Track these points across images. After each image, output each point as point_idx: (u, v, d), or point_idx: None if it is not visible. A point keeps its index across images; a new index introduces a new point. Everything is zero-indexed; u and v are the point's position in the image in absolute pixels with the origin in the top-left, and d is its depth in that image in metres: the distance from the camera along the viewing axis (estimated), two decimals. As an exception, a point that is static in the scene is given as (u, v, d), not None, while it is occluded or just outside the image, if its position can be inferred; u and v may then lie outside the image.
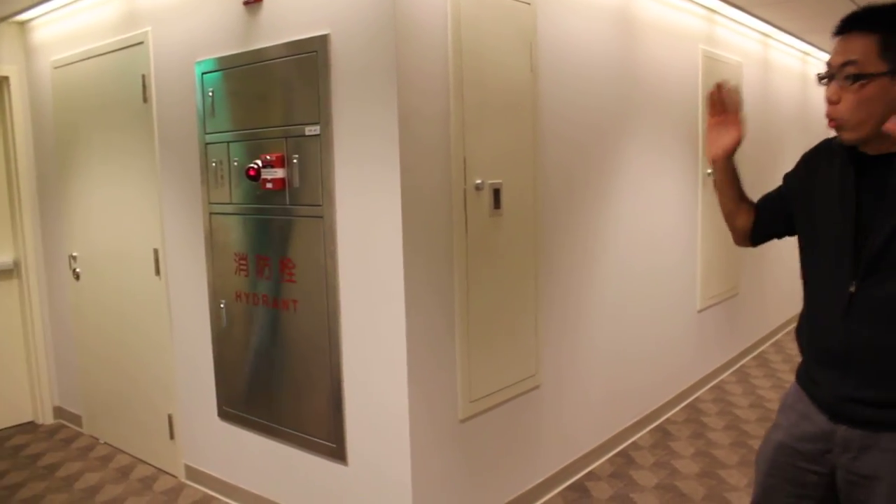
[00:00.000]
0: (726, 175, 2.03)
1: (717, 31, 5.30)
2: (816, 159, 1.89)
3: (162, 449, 4.04)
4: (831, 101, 1.65)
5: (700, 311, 5.17)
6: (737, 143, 1.94)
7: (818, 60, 7.76)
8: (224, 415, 3.60)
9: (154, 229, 3.83)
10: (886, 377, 1.68)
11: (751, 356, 6.21)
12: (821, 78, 1.70)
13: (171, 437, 3.95)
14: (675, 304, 4.88)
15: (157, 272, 3.86)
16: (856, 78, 1.59)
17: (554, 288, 3.61)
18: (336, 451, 3.09)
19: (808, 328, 1.89)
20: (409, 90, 2.72)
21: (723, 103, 1.94)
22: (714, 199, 5.15)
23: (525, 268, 3.35)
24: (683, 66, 4.83)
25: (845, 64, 1.61)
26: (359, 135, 2.82)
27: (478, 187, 3.01)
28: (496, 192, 3.11)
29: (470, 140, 2.97)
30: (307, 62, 2.93)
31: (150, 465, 4.15)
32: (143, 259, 3.93)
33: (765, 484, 1.93)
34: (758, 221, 2.06)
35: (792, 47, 6.91)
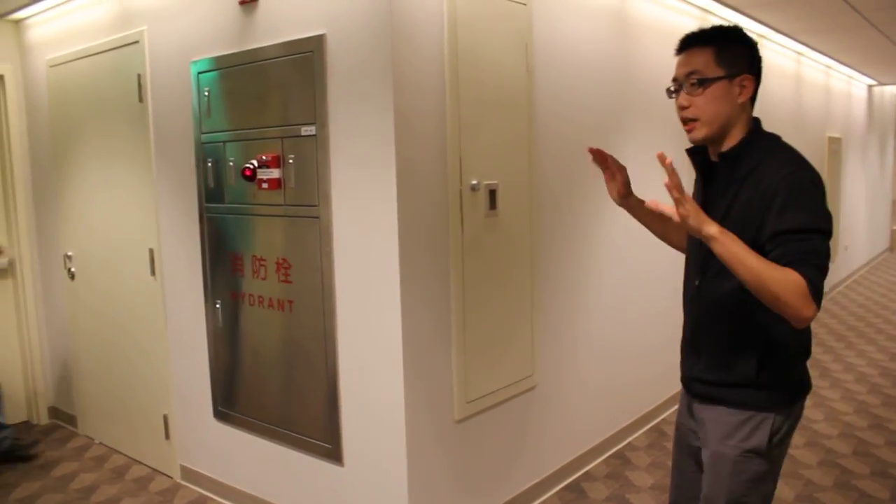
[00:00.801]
0: (636, 211, 2.30)
1: (712, 32, 5.29)
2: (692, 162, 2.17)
3: (157, 449, 4.03)
4: (683, 107, 1.93)
5: (696, 312, 5.17)
6: (625, 184, 2.22)
7: (812, 61, 7.78)
8: (220, 415, 3.59)
9: (149, 229, 3.83)
10: (716, 359, 1.98)
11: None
12: (670, 92, 1.99)
13: (167, 437, 3.94)
14: (671, 304, 4.87)
15: (153, 272, 3.85)
16: (700, 82, 1.88)
17: (550, 288, 3.61)
18: (332, 451, 3.08)
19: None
20: (405, 90, 2.72)
21: (602, 159, 2.18)
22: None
23: (521, 268, 3.35)
24: (679, 66, 4.82)
25: (689, 74, 1.90)
26: (355, 135, 2.81)
27: (474, 188, 3.01)
28: (492, 193, 3.11)
29: (466, 140, 2.97)
30: (303, 62, 2.92)
31: (145, 465, 4.14)
32: (139, 259, 3.92)
33: (675, 457, 2.25)
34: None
35: (786, 48, 6.92)
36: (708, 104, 1.89)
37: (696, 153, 2.04)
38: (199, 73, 3.36)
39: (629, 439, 4.37)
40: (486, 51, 3.06)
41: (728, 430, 1.94)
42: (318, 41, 2.86)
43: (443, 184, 2.91)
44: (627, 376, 4.37)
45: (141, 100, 3.73)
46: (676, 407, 4.85)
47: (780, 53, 6.80)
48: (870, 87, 10.70)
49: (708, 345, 2.01)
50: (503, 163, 3.19)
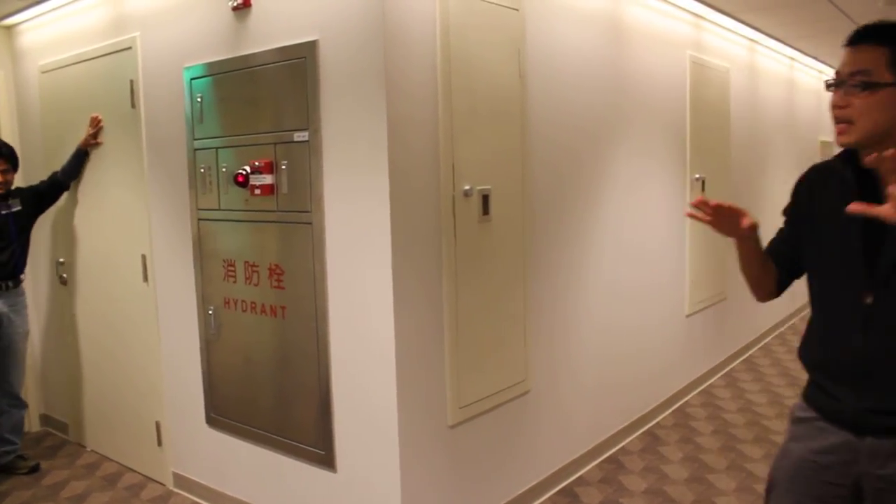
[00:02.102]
0: (751, 246, 2.00)
1: (704, 37, 5.33)
2: (810, 183, 1.95)
3: (149, 456, 4.01)
4: (838, 106, 1.72)
5: (688, 316, 5.19)
6: (753, 226, 1.91)
7: (804, 66, 7.82)
8: (212, 422, 3.58)
9: (142, 235, 3.82)
10: None
11: (739, 360, 6.23)
12: (828, 85, 1.77)
13: (159, 444, 3.93)
14: (664, 309, 4.90)
15: (145, 278, 3.84)
16: (865, 86, 1.67)
17: (543, 293, 3.61)
18: (325, 457, 3.08)
19: (820, 345, 1.90)
20: (397, 96, 2.72)
21: (719, 211, 1.90)
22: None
23: (514, 273, 3.36)
24: (672, 71, 4.85)
25: (855, 73, 1.68)
26: (347, 141, 2.81)
27: (466, 193, 3.01)
28: (485, 199, 3.11)
29: (459, 146, 2.97)
30: (296, 68, 2.92)
31: (137, 472, 4.12)
32: (131, 265, 3.91)
33: (786, 499, 1.93)
34: (779, 272, 2.05)
35: (779, 53, 6.95)
36: (869, 110, 1.68)
37: (848, 161, 1.81)
38: (192, 79, 3.36)
39: (623, 443, 4.37)
40: (478, 57, 3.06)
41: None
42: (311, 47, 2.86)
43: (435, 189, 2.91)
44: (621, 380, 4.37)
45: (133, 106, 3.72)
46: (670, 411, 4.90)
47: (772, 58, 6.84)
48: (861, 91, 10.73)
49: (892, 369, 1.73)
50: (496, 168, 3.20)
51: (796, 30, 5.99)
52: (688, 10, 4.98)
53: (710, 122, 5.39)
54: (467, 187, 3.02)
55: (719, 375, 5.79)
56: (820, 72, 8.35)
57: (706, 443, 4.42)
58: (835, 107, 1.73)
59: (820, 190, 1.90)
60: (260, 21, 3.06)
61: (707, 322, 5.53)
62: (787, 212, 2.04)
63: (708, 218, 1.93)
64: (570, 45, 3.75)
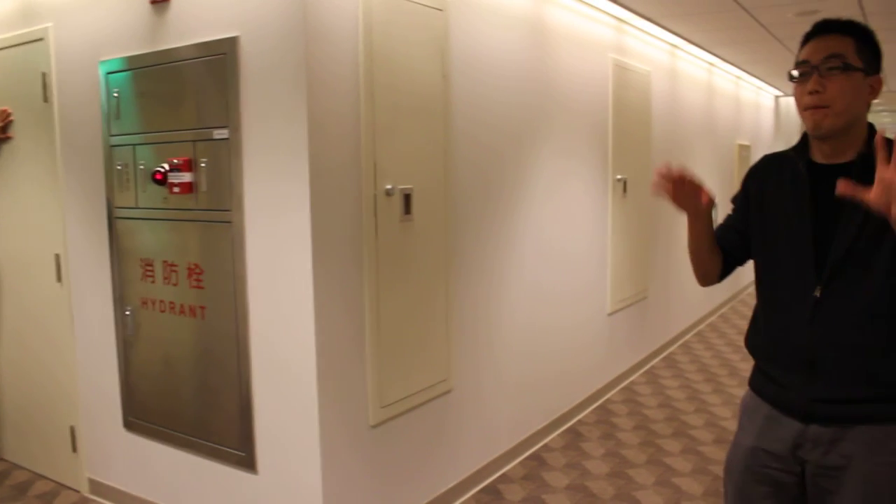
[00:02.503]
0: (703, 226, 2.01)
1: (626, 41, 5.45)
2: (762, 173, 1.99)
3: (64, 463, 3.88)
4: (815, 91, 1.75)
5: (610, 315, 5.30)
6: (711, 201, 1.92)
7: (723, 71, 8.07)
8: (130, 425, 3.49)
9: (56, 234, 3.69)
10: (854, 376, 1.78)
11: (659, 357, 6.39)
12: (793, 77, 1.82)
13: (74, 450, 3.81)
14: (587, 307, 4.99)
15: (59, 278, 3.72)
16: (845, 67, 1.73)
17: (466, 293, 3.64)
18: (245, 459, 3.03)
19: (767, 335, 1.95)
20: (319, 94, 2.71)
21: (682, 181, 1.90)
22: (624, 205, 5.28)
23: (436, 273, 3.37)
24: (594, 74, 4.94)
25: (831, 57, 1.74)
26: (268, 138, 2.78)
27: (388, 192, 3.02)
28: (407, 198, 3.12)
29: (381, 145, 2.97)
30: (216, 64, 2.88)
31: (50, 480, 3.98)
32: (44, 265, 3.78)
33: (739, 489, 1.99)
34: (725, 259, 2.09)
35: (698, 58, 7.16)
36: (843, 93, 1.73)
37: (801, 154, 1.87)
38: (108, 73, 3.27)
39: (545, 441, 4.44)
40: (401, 56, 3.07)
41: (879, 447, 1.78)
42: (232, 43, 2.82)
43: (357, 188, 2.90)
44: (543, 378, 4.44)
45: (46, 100, 3.60)
46: (592, 408, 5.00)
47: (692, 63, 7.03)
48: (776, 97, 11.17)
49: (839, 360, 1.80)
50: (418, 167, 3.21)
51: (715, 36, 6.18)
52: (610, 15, 5.09)
53: (631, 125, 5.52)
54: (389, 186, 3.02)
55: (640, 372, 5.93)
56: (738, 77, 8.64)
57: (627, 438, 4.52)
58: (811, 93, 1.75)
59: (771, 180, 1.94)
60: (179, 15, 3.00)
61: (629, 320, 5.66)
62: (736, 200, 2.08)
63: (670, 188, 1.92)
64: (494, 46, 3.79)
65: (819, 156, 1.84)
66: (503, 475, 3.98)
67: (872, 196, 1.52)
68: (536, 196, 4.26)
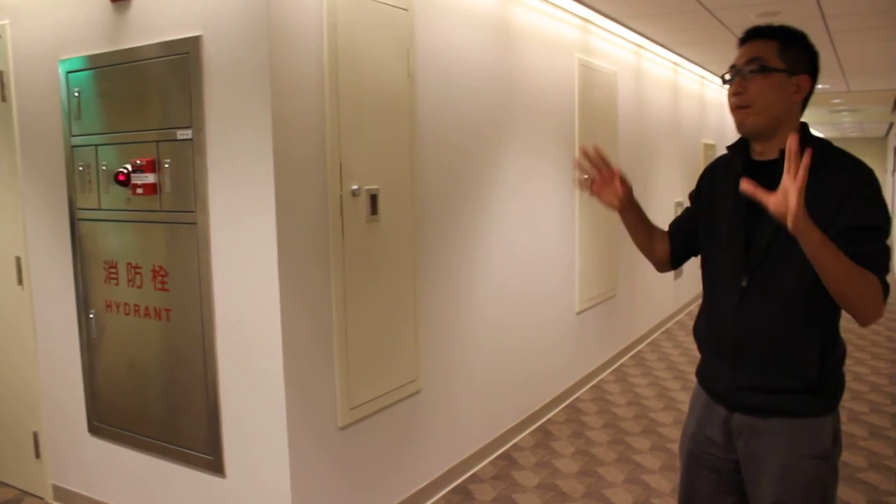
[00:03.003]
0: (633, 216, 2.16)
1: (592, 41, 5.48)
2: (713, 171, 2.11)
3: (27, 469, 3.81)
4: (737, 93, 1.88)
5: (579, 313, 5.33)
6: (624, 186, 2.11)
7: (688, 72, 8.15)
8: (95, 430, 3.44)
9: (16, 236, 3.62)
10: (774, 365, 1.87)
11: (628, 356, 6.44)
12: (725, 79, 1.93)
13: (37, 456, 3.74)
14: (555, 306, 5.01)
15: (20, 281, 3.65)
16: (762, 69, 1.84)
17: (433, 293, 3.64)
18: (213, 463, 3.00)
19: (706, 324, 2.06)
20: (283, 94, 2.69)
21: (603, 163, 2.13)
22: (592, 203, 5.30)
23: (404, 273, 3.37)
24: (560, 73, 4.97)
25: (751, 60, 1.86)
26: (232, 139, 2.76)
27: (354, 193, 3.00)
28: (373, 198, 3.11)
29: (346, 145, 2.96)
30: (179, 64, 2.84)
31: (12, 487, 3.91)
32: (4, 267, 3.70)
33: (687, 473, 2.10)
34: (673, 245, 2.21)
35: (663, 58, 7.22)
36: (763, 92, 1.85)
37: (738, 150, 1.98)
38: (69, 72, 3.21)
39: (515, 440, 4.45)
40: (367, 55, 3.06)
41: (795, 440, 1.86)
42: (195, 42, 2.79)
43: (322, 189, 2.88)
44: (513, 378, 4.45)
45: (4, 99, 3.53)
46: (561, 406, 5.02)
47: (657, 63, 7.10)
48: (741, 97, 11.29)
49: (760, 351, 1.88)
50: (384, 167, 3.20)
51: (679, 36, 6.25)
52: (576, 15, 5.12)
53: (598, 124, 5.55)
54: (355, 187, 3.00)
55: (609, 371, 5.97)
56: (702, 77, 8.74)
57: (596, 437, 4.55)
58: (734, 94, 1.88)
59: (718, 179, 2.05)
60: (141, 14, 2.96)
61: (597, 319, 5.70)
62: (691, 195, 2.20)
63: (594, 179, 2.13)
64: (459, 46, 3.80)
65: (755, 153, 1.95)
66: (473, 475, 3.98)
67: (772, 202, 1.58)
68: (504, 196, 4.27)
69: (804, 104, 1.92)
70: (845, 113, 15.02)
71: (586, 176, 2.15)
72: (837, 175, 1.78)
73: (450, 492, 3.77)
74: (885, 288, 1.70)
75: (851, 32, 5.86)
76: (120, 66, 3.04)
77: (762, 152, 1.92)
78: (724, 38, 6.16)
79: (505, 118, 4.28)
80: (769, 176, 1.78)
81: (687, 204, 2.29)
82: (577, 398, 5.27)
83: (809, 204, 1.66)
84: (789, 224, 1.56)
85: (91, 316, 3.33)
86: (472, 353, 4.01)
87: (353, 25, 2.97)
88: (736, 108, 1.89)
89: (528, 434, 4.57)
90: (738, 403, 1.94)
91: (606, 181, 2.12)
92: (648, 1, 4.95)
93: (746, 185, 1.62)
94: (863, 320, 1.72)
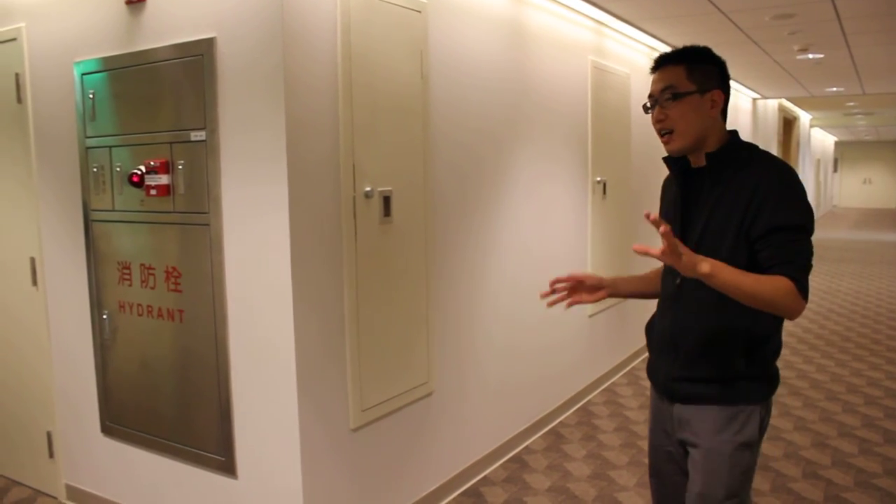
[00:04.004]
0: (626, 290, 2.53)
1: (605, 43, 5.47)
2: (668, 181, 2.30)
3: (40, 469, 3.83)
4: (659, 120, 2.04)
5: (591, 316, 5.31)
6: (594, 286, 2.45)
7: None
8: (108, 430, 3.45)
9: (31, 237, 3.65)
10: (703, 356, 2.01)
11: (640, 359, 6.41)
12: (646, 108, 2.10)
13: (51, 455, 3.76)
14: (567, 309, 4.98)
15: (34, 282, 3.68)
16: (675, 96, 1.99)
17: (446, 295, 3.63)
18: (225, 464, 3.01)
19: (653, 321, 2.26)
20: (297, 96, 2.69)
21: (570, 281, 2.45)
22: (604, 207, 5.28)
23: (416, 275, 3.36)
24: (573, 76, 4.96)
25: (665, 89, 2.01)
26: (246, 141, 2.76)
27: (367, 195, 3.00)
28: (386, 200, 3.11)
29: (359, 147, 2.96)
30: (193, 65, 2.85)
31: (27, 486, 3.93)
32: (19, 268, 3.73)
33: (654, 466, 2.28)
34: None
35: (677, 61, 7.18)
36: (681, 116, 2.00)
37: (675, 161, 2.13)
38: (84, 74, 3.23)
39: (527, 443, 4.44)
40: (380, 57, 3.06)
41: (720, 426, 2.00)
42: (209, 44, 2.79)
43: (336, 190, 2.89)
44: (525, 381, 4.44)
45: (20, 101, 3.55)
46: (573, 409, 5.00)
47: (670, 66, 7.05)
48: (754, 100, 11.26)
49: (691, 342, 2.04)
50: (397, 169, 3.20)
51: (693, 39, 6.13)
52: (589, 17, 5.10)
53: (611, 127, 5.54)
54: (368, 188, 3.00)
55: (622, 373, 5.95)
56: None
57: (608, 440, 4.53)
58: (656, 122, 2.05)
59: (668, 186, 2.27)
60: (155, 16, 2.97)
61: (609, 322, 5.68)
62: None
63: (567, 296, 2.44)
64: (473, 48, 3.79)
65: (692, 161, 2.10)
66: (485, 478, 3.97)
67: (661, 255, 1.75)
68: (516, 198, 4.26)
69: (724, 113, 2.06)
70: (860, 116, 14.94)
71: (557, 297, 2.44)
72: (756, 177, 1.93)
73: (461, 494, 3.76)
74: (800, 285, 1.82)
75: (867, 34, 5.83)
76: (134, 67, 3.05)
77: (695, 161, 2.08)
78: (737, 41, 6.14)
79: (518, 120, 4.27)
80: (698, 180, 2.06)
81: None
82: (588, 401, 5.25)
83: (732, 207, 1.94)
84: (682, 272, 1.79)
85: (104, 316, 3.34)
86: (485, 356, 4.01)
87: (367, 27, 2.97)
88: (660, 134, 2.05)
89: (540, 437, 4.56)
90: (675, 393, 2.09)
91: (576, 290, 2.44)
92: (662, 3, 4.94)
93: (638, 248, 1.76)
94: (786, 317, 1.89)
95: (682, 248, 1.76)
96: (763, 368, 2.03)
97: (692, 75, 2.00)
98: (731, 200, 1.95)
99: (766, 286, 1.80)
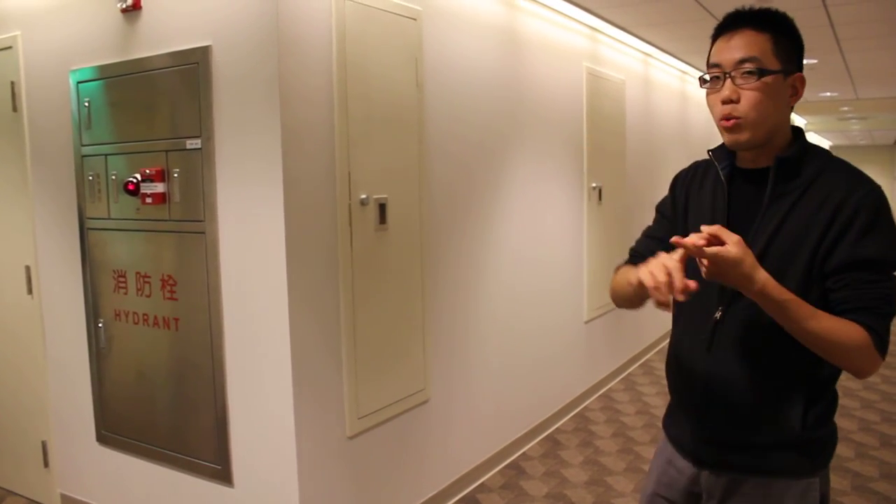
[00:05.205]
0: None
1: (600, 50, 5.48)
2: (688, 181, 1.80)
3: (35, 478, 3.82)
4: (730, 101, 1.54)
5: (587, 322, 5.31)
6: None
7: (696, 80, 8.13)
8: (103, 439, 3.44)
9: (26, 245, 3.64)
10: (749, 414, 1.59)
11: (637, 364, 6.42)
12: (705, 81, 1.62)
13: (46, 465, 3.74)
14: (563, 315, 5.00)
15: (30, 290, 3.67)
16: (761, 73, 1.51)
17: (442, 302, 3.63)
18: (221, 472, 3.00)
19: (674, 363, 1.77)
20: (292, 104, 2.69)
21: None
22: (600, 214, 5.28)
23: (412, 282, 3.36)
24: (568, 82, 4.97)
25: (744, 60, 1.52)
26: (241, 149, 2.76)
27: (363, 202, 3.00)
28: (382, 207, 3.11)
29: (355, 154, 2.96)
30: (188, 74, 2.85)
31: (21, 496, 3.91)
32: (14, 276, 3.72)
33: None
34: None
35: (672, 67, 7.22)
36: (761, 101, 1.51)
37: (727, 156, 1.68)
38: (79, 82, 3.23)
39: (524, 449, 4.44)
40: (375, 65, 3.06)
41: None
42: (204, 52, 2.80)
43: (331, 198, 2.89)
44: (521, 387, 4.44)
45: (15, 109, 3.55)
46: (570, 416, 5.00)
47: (665, 72, 7.09)
48: (750, 105, 11.27)
49: (734, 396, 1.59)
50: (393, 177, 3.20)
51: (688, 45, 6.24)
52: (583, 24, 5.12)
53: (606, 133, 5.55)
54: (364, 196, 3.01)
55: (618, 380, 5.95)
56: (711, 86, 8.71)
57: (605, 446, 4.53)
58: (726, 101, 1.55)
59: (696, 188, 1.76)
60: (151, 24, 2.98)
61: (605, 327, 5.68)
62: (663, 207, 1.89)
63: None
64: (468, 56, 3.80)
65: (742, 160, 1.66)
66: (482, 484, 3.96)
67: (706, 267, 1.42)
68: (512, 204, 4.27)
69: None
70: (854, 120, 14.98)
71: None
72: (840, 193, 1.49)
73: (458, 501, 3.76)
74: (878, 339, 1.44)
75: (860, 40, 5.85)
76: (130, 76, 3.05)
77: (753, 160, 1.62)
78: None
79: (513, 127, 4.28)
80: (759, 185, 1.57)
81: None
82: (585, 407, 5.25)
83: (806, 228, 1.49)
84: (733, 283, 1.41)
85: (100, 325, 3.33)
86: (481, 363, 4.00)
87: (362, 35, 2.98)
88: (725, 120, 1.56)
89: (537, 443, 4.55)
90: (705, 460, 1.66)
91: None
92: (657, 9, 4.95)
93: (677, 240, 1.41)
94: (854, 374, 1.49)
95: (734, 248, 1.36)
96: (822, 428, 1.59)
97: (779, 50, 1.53)
98: (804, 220, 1.50)
99: (838, 327, 1.42)
